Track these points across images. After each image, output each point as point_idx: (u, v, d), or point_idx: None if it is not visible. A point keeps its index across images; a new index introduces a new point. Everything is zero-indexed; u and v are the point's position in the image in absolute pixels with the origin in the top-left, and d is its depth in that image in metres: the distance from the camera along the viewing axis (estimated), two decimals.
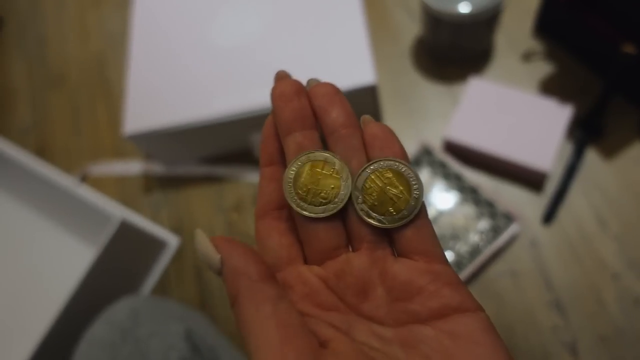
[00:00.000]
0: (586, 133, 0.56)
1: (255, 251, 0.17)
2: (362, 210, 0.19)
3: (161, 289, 0.57)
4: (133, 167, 0.66)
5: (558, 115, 0.55)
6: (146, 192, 0.64)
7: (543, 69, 0.61)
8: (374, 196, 0.19)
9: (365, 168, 0.19)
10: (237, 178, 0.62)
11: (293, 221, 0.20)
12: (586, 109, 0.57)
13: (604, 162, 0.55)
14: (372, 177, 0.19)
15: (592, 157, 0.56)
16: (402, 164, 0.19)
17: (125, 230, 0.52)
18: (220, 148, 0.62)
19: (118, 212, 0.53)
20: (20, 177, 0.61)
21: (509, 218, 0.53)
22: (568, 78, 0.60)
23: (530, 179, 0.55)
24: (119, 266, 0.53)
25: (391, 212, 0.18)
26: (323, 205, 0.19)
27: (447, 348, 0.17)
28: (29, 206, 0.64)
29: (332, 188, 0.19)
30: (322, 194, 0.19)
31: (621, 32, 0.53)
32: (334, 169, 0.19)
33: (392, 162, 0.19)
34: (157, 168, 0.64)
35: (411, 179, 0.19)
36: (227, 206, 0.61)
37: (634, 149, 0.55)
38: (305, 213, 0.19)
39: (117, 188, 0.65)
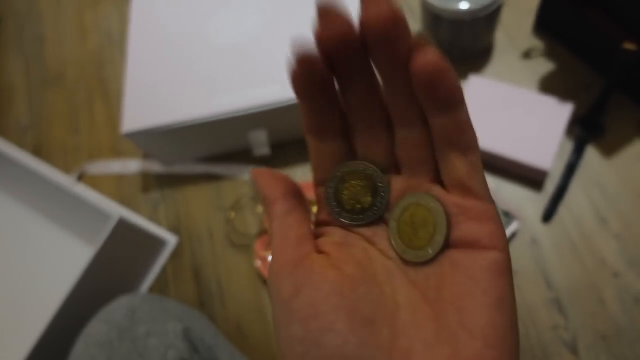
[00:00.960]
0: (586, 131, 0.56)
1: (280, 177, 0.20)
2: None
3: (159, 287, 0.57)
4: (131, 165, 0.65)
5: (558, 113, 0.55)
6: (144, 191, 0.63)
7: (543, 66, 0.61)
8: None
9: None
10: (235, 176, 0.62)
11: None
12: (587, 106, 0.57)
13: (604, 160, 0.55)
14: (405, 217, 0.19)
15: (592, 155, 0.56)
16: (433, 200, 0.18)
17: (123, 229, 0.51)
18: (218, 146, 0.62)
19: (115, 210, 0.53)
20: (17, 175, 0.61)
21: (509, 216, 0.53)
22: (568, 75, 0.60)
23: (530, 177, 0.55)
24: (117, 265, 0.53)
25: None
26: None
27: (443, 277, 0.17)
28: (26, 205, 0.64)
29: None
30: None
31: (623, 28, 0.52)
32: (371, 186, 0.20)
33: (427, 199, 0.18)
34: (155, 166, 0.64)
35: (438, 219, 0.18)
36: (226, 205, 0.61)
37: (634, 147, 0.55)
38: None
39: (114, 187, 0.65)
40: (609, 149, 0.56)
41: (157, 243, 0.58)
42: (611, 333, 0.48)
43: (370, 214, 0.19)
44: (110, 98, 0.72)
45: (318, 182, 0.20)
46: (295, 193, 0.20)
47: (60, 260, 0.59)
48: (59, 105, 0.73)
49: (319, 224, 0.21)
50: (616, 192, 0.54)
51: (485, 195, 0.18)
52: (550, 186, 0.55)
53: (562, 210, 0.54)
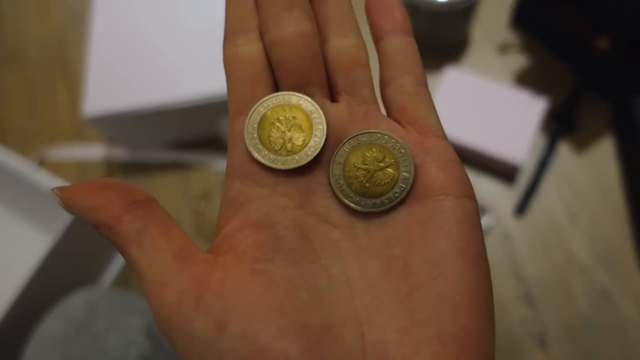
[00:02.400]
0: (559, 126, 0.57)
1: (107, 184, 0.15)
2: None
3: (123, 281, 0.55)
4: (94, 151, 0.62)
5: (532, 108, 0.55)
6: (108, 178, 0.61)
7: (518, 61, 0.61)
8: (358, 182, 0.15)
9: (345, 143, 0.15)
10: (204, 165, 0.60)
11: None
12: (560, 102, 0.57)
13: (575, 156, 0.56)
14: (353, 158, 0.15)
15: (564, 151, 0.56)
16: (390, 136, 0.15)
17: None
18: (187, 133, 0.59)
19: None
20: None
21: (481, 210, 0.53)
22: (543, 71, 0.60)
23: (502, 171, 0.55)
24: (77, 256, 0.50)
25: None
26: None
27: (410, 240, 0.14)
28: None
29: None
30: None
31: (595, 27, 0.53)
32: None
33: (379, 136, 0.15)
34: (120, 153, 0.61)
35: (400, 156, 0.15)
36: (194, 194, 0.58)
37: (604, 144, 0.56)
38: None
39: (77, 173, 0.61)
40: (580, 145, 0.56)
41: None
42: (578, 326, 0.48)
43: (305, 153, 0.15)
44: (73, 80, 0.68)
45: (235, 113, 0.16)
46: (137, 196, 0.15)
47: (15, 251, 0.56)
48: (16, 86, 0.69)
49: (232, 175, 0.16)
50: (586, 187, 0.54)
51: (444, 135, 0.16)
52: (522, 181, 0.55)
53: (534, 204, 0.54)
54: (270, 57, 0.16)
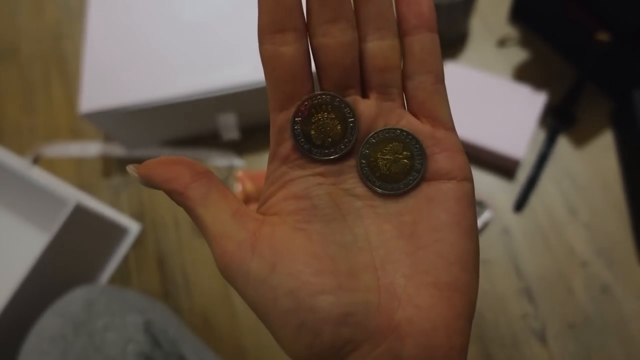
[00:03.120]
0: (559, 121, 0.56)
1: (176, 160, 0.18)
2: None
3: (120, 278, 0.54)
4: (91, 148, 0.62)
5: (532, 103, 0.55)
6: (105, 176, 0.60)
7: (518, 55, 0.61)
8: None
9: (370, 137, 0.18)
10: (203, 161, 0.59)
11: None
12: (559, 96, 0.57)
13: (575, 151, 0.56)
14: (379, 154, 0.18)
15: (563, 145, 0.56)
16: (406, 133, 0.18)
17: (81, 216, 0.48)
18: (184, 130, 0.59)
19: (73, 196, 0.49)
20: None
21: (481, 205, 0.52)
22: (542, 65, 0.60)
23: (502, 166, 0.55)
24: (74, 254, 0.50)
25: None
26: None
27: (418, 211, 0.18)
28: None
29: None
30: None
31: (596, 20, 0.52)
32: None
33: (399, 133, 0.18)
34: (117, 150, 0.61)
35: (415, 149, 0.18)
36: None
37: (604, 138, 0.56)
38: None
39: (73, 171, 0.61)
40: (580, 140, 0.56)
41: (118, 231, 0.55)
42: (579, 322, 0.48)
43: (342, 146, 0.18)
44: (69, 75, 0.68)
45: (278, 107, 0.18)
46: (200, 169, 0.18)
47: (12, 249, 0.56)
48: (12, 83, 0.68)
49: (277, 159, 0.19)
50: (586, 182, 0.54)
51: (453, 127, 0.19)
52: (522, 176, 0.55)
53: (534, 200, 0.54)
54: (314, 58, 0.18)
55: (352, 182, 0.18)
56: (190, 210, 0.18)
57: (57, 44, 0.70)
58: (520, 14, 0.61)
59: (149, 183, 0.18)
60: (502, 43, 0.62)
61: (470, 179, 0.18)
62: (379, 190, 0.18)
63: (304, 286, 0.16)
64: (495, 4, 0.64)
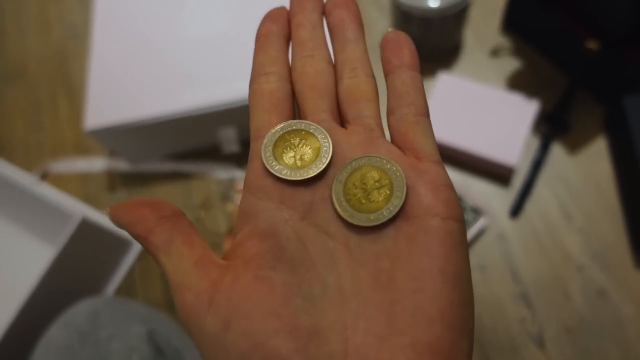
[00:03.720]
0: (552, 128, 0.57)
1: (143, 202, 0.17)
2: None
3: (126, 290, 0.56)
4: (96, 163, 0.63)
5: (525, 110, 0.56)
6: (110, 190, 0.62)
7: (510, 64, 0.62)
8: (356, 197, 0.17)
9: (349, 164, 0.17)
10: (204, 175, 0.61)
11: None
12: (552, 104, 0.58)
13: (569, 156, 0.56)
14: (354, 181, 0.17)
15: (557, 152, 0.57)
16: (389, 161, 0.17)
17: (87, 229, 0.50)
18: (186, 144, 0.60)
19: (79, 210, 0.51)
20: None
21: (477, 212, 0.53)
22: (535, 73, 0.61)
23: (497, 173, 0.56)
24: (80, 266, 0.51)
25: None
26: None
27: (397, 256, 0.15)
28: None
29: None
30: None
31: (585, 28, 0.54)
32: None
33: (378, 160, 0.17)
34: (121, 165, 0.62)
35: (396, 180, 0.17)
36: (195, 203, 0.59)
37: (597, 143, 0.57)
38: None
39: (79, 186, 0.63)
40: (573, 146, 0.57)
41: (123, 244, 0.57)
42: (576, 325, 0.49)
43: (311, 169, 0.17)
44: (74, 93, 0.70)
45: (255, 135, 0.19)
46: (166, 212, 0.17)
47: (20, 262, 0.57)
48: (20, 101, 0.70)
49: (247, 188, 0.18)
50: (580, 187, 0.55)
51: (438, 159, 0.17)
52: (517, 182, 0.56)
53: (529, 205, 0.54)
54: (294, 89, 0.20)
55: (325, 216, 0.16)
56: (153, 257, 0.17)
57: (63, 63, 0.72)
58: (511, 25, 0.63)
59: (118, 224, 0.17)
60: (494, 53, 0.63)
61: (457, 218, 0.16)
62: (353, 221, 0.16)
63: (258, 348, 0.14)
64: (487, 15, 0.65)
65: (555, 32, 0.57)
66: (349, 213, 0.16)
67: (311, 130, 0.18)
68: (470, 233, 0.52)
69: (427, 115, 0.18)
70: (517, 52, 0.63)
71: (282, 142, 0.18)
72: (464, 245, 0.16)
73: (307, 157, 0.17)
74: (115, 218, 0.17)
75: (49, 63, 0.73)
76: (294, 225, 0.16)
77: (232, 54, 0.55)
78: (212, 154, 0.61)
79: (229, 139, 0.57)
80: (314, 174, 0.17)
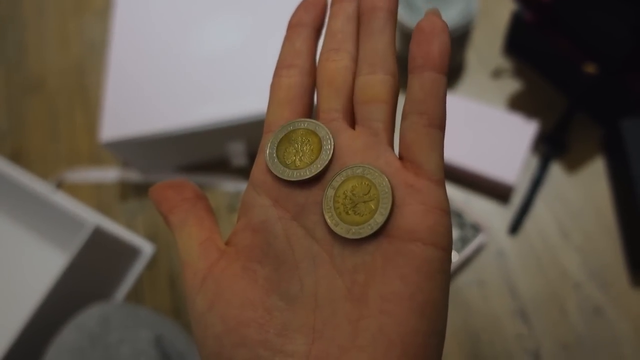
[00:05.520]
0: (551, 148, 0.59)
1: (173, 185, 0.19)
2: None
3: (135, 296, 0.57)
4: (109, 174, 0.66)
5: (524, 131, 0.58)
6: (122, 200, 0.64)
7: (511, 86, 0.64)
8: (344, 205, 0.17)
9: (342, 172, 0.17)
10: (213, 187, 0.63)
11: None
12: (551, 124, 0.60)
13: (568, 176, 0.58)
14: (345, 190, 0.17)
15: (556, 171, 0.58)
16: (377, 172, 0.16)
17: (99, 237, 0.52)
18: (196, 157, 0.63)
19: (92, 218, 0.53)
20: None
21: (476, 229, 0.55)
22: (535, 95, 0.63)
23: (497, 191, 0.57)
24: (91, 273, 0.53)
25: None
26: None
27: (373, 272, 0.15)
28: (1, 211, 0.64)
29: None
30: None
31: (583, 53, 0.56)
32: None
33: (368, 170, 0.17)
34: (133, 175, 0.65)
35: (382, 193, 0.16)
36: None
37: (595, 164, 0.58)
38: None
39: (93, 195, 0.65)
40: (572, 166, 0.58)
41: (133, 252, 0.59)
42: (572, 342, 0.50)
43: (308, 171, 0.17)
44: (90, 106, 0.72)
45: (266, 129, 0.19)
46: (188, 194, 0.19)
47: (35, 267, 0.59)
48: (39, 113, 0.73)
49: (250, 181, 0.18)
50: (578, 207, 0.56)
51: (439, 178, 0.16)
52: (516, 200, 0.57)
53: (528, 223, 0.56)
54: (316, 82, 0.19)
55: (314, 220, 0.17)
56: (172, 234, 0.19)
57: (80, 77, 0.75)
58: (513, 47, 0.65)
59: (153, 203, 0.20)
60: (496, 74, 0.65)
61: (441, 245, 0.15)
62: (336, 230, 0.16)
63: (230, 333, 0.15)
64: (489, 38, 0.67)
65: (555, 56, 0.59)
66: (334, 221, 0.16)
67: (315, 130, 0.17)
68: (469, 249, 0.54)
69: (441, 127, 0.17)
70: (518, 74, 0.64)
71: (286, 140, 0.18)
72: (443, 275, 0.15)
73: (306, 158, 0.17)
74: (150, 197, 0.20)
75: (67, 76, 0.76)
76: (285, 224, 0.17)
77: (243, 71, 0.58)
78: (221, 166, 0.63)
79: (237, 152, 0.60)
80: (309, 176, 0.17)
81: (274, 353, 0.15)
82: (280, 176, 0.17)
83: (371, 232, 0.15)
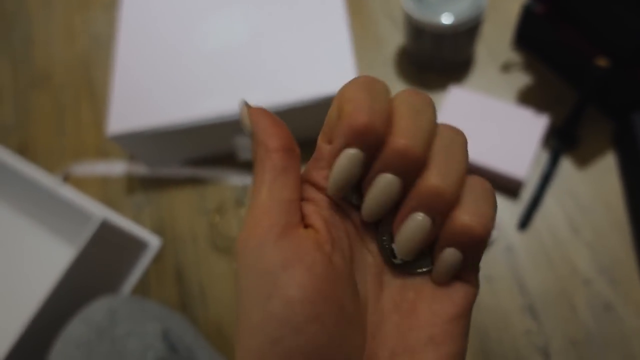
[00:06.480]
0: (561, 142, 0.58)
1: (281, 124, 0.18)
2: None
3: (141, 289, 0.57)
4: (116, 167, 0.66)
5: (534, 125, 0.57)
6: (129, 193, 0.64)
7: (521, 79, 0.63)
8: None
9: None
10: (220, 180, 0.63)
11: None
12: (562, 118, 0.59)
13: (578, 171, 0.57)
14: None
15: (566, 166, 0.58)
16: None
17: (106, 231, 0.52)
18: (203, 150, 0.62)
19: (99, 212, 0.53)
20: (1, 175, 0.61)
21: None
22: (545, 89, 0.62)
23: (506, 186, 0.57)
24: (98, 266, 0.53)
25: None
26: None
27: (425, 288, 0.17)
28: (9, 204, 0.64)
29: None
30: None
31: (595, 46, 0.55)
32: None
33: None
34: (140, 169, 0.65)
35: None
36: (210, 208, 0.61)
37: (606, 159, 0.57)
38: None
39: (99, 188, 0.65)
40: (582, 161, 0.58)
41: (140, 245, 0.59)
42: (581, 338, 0.49)
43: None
44: (97, 100, 0.72)
45: (325, 139, 0.18)
46: (293, 148, 0.18)
47: (42, 261, 0.59)
48: (45, 106, 0.73)
49: (306, 182, 0.18)
50: (589, 202, 0.55)
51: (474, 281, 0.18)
52: (526, 195, 0.56)
53: (537, 218, 0.55)
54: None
55: (371, 233, 0.18)
56: (260, 171, 0.17)
57: (86, 71, 0.75)
58: (523, 41, 0.64)
59: (249, 125, 0.18)
60: (505, 68, 0.64)
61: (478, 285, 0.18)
62: (390, 259, 0.17)
63: (306, 303, 0.14)
64: (499, 31, 0.66)
65: (565, 49, 0.58)
66: (387, 248, 0.17)
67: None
68: None
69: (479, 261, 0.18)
70: (528, 67, 0.64)
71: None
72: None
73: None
74: (252, 117, 0.18)
75: (73, 70, 0.76)
76: (348, 227, 0.18)
77: (250, 64, 0.57)
78: (228, 160, 0.63)
79: (244, 146, 0.59)
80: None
81: (342, 339, 0.15)
82: (351, 201, 0.18)
83: (425, 269, 0.17)
